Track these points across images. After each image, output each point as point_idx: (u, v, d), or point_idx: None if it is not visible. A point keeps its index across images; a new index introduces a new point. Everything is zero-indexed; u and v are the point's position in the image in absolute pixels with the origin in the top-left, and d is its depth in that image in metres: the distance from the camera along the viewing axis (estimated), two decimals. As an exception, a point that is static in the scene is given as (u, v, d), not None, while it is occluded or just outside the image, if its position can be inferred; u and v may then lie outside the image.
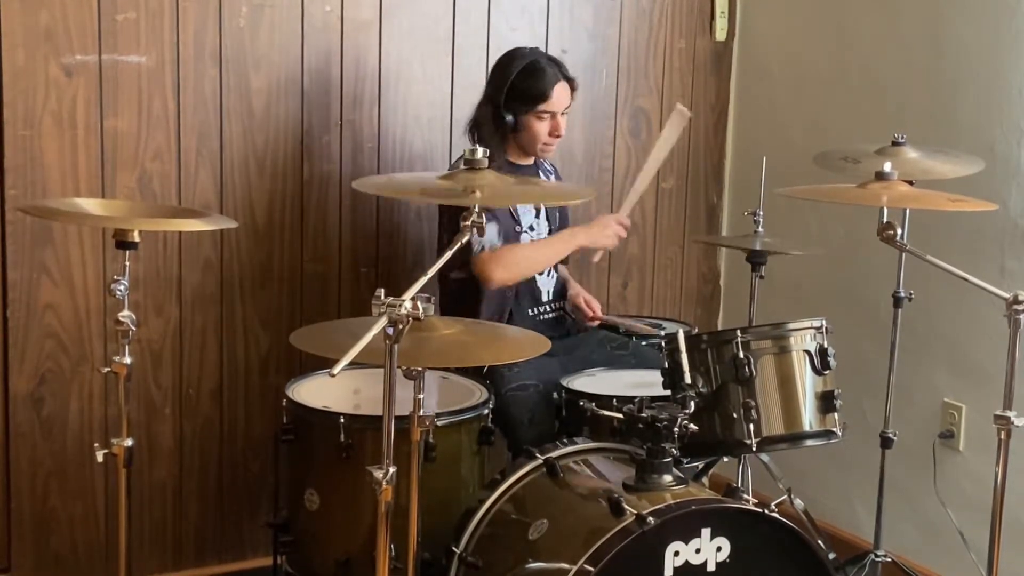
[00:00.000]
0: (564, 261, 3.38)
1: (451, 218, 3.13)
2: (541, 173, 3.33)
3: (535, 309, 3.29)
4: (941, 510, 3.27)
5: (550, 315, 3.33)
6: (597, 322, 3.34)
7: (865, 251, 3.39)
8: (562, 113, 3.19)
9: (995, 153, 3.14)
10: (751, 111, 4.00)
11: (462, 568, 2.51)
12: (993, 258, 3.16)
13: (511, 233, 3.19)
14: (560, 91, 3.17)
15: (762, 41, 3.95)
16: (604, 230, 3.20)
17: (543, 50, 3.37)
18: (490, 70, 3.26)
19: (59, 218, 2.88)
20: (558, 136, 3.21)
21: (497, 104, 3.15)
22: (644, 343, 3.32)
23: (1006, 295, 2.46)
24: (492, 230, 3.07)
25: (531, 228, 3.25)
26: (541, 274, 3.29)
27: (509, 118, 3.15)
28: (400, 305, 2.00)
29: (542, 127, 3.17)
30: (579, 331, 3.35)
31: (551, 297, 3.33)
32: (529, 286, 3.25)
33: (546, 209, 3.30)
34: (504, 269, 3.07)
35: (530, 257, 3.16)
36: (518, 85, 3.14)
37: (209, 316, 3.30)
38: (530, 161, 3.28)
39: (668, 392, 2.66)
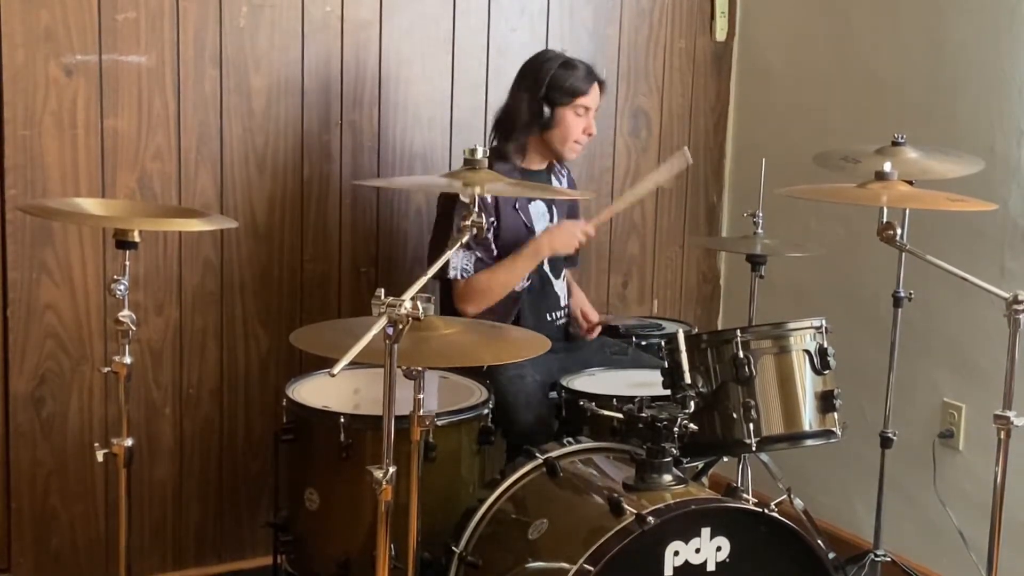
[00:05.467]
0: (572, 262, 3.39)
1: (443, 213, 3.14)
2: (554, 178, 3.32)
3: (553, 314, 3.30)
4: (941, 510, 3.27)
5: (565, 320, 3.35)
6: (594, 335, 3.33)
7: (865, 251, 3.39)
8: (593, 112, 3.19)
9: (995, 153, 3.14)
10: (751, 111, 4.00)
11: (462, 568, 2.51)
12: (993, 258, 3.16)
13: (523, 242, 3.16)
14: (595, 88, 3.18)
15: (762, 41, 3.95)
16: (570, 239, 3.14)
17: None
18: (523, 68, 3.21)
19: (59, 218, 2.88)
20: (591, 135, 3.20)
21: (536, 96, 3.12)
22: (644, 343, 3.32)
23: (1006, 295, 2.46)
24: (470, 259, 3.06)
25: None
26: (557, 279, 3.29)
27: (547, 111, 3.13)
28: (400, 305, 2.00)
29: (577, 123, 3.16)
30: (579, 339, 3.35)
31: (566, 302, 3.33)
32: (545, 290, 3.25)
33: (558, 212, 3.30)
34: (475, 302, 3.06)
35: (500, 280, 3.10)
36: (559, 78, 3.12)
37: (209, 316, 3.30)
38: (543, 166, 3.27)
39: (668, 392, 2.66)
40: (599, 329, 3.34)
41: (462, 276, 3.06)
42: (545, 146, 3.21)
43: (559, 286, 3.31)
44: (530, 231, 3.19)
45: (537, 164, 3.25)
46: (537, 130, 3.16)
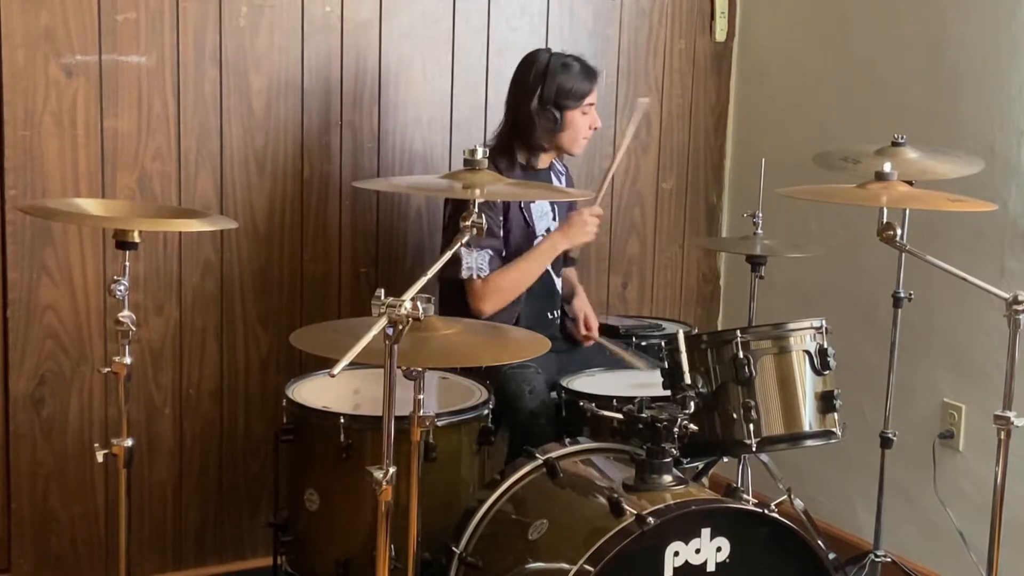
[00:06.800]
0: (571, 262, 3.39)
1: (452, 217, 3.13)
2: (553, 176, 3.32)
3: (552, 313, 3.29)
4: (941, 510, 3.27)
5: (562, 319, 3.34)
6: (590, 342, 3.33)
7: (865, 251, 3.39)
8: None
9: (995, 153, 3.14)
10: (751, 111, 4.00)
11: (462, 568, 2.51)
12: (993, 258, 3.16)
13: (523, 240, 3.17)
14: (595, 82, 3.21)
15: (762, 41, 3.95)
16: (583, 228, 3.16)
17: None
18: (521, 75, 3.21)
19: (59, 218, 2.88)
20: (596, 128, 3.24)
21: (546, 104, 3.14)
22: (644, 344, 3.32)
23: (1006, 295, 2.46)
24: (483, 258, 3.06)
25: (548, 231, 3.24)
26: (558, 276, 3.29)
27: (557, 115, 3.16)
28: (400, 305, 2.00)
29: (585, 122, 3.20)
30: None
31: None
32: (546, 288, 3.25)
33: (559, 210, 3.30)
34: (492, 301, 3.08)
35: (516, 279, 3.12)
36: (565, 84, 3.14)
37: (209, 316, 3.30)
38: (547, 165, 3.28)
39: (668, 392, 2.66)
40: (593, 339, 3.33)
41: (477, 276, 3.06)
42: (553, 146, 3.23)
43: (558, 283, 3.31)
44: (530, 229, 3.19)
45: (543, 163, 3.26)
46: (550, 134, 3.19)
